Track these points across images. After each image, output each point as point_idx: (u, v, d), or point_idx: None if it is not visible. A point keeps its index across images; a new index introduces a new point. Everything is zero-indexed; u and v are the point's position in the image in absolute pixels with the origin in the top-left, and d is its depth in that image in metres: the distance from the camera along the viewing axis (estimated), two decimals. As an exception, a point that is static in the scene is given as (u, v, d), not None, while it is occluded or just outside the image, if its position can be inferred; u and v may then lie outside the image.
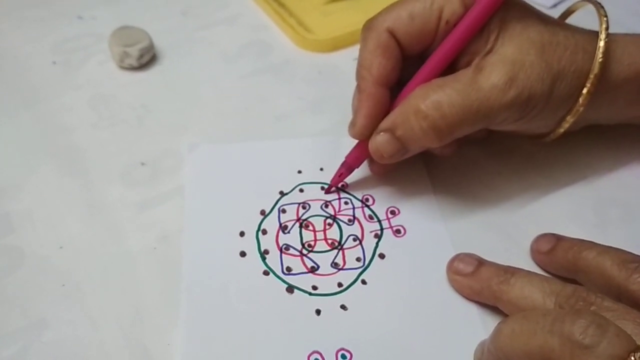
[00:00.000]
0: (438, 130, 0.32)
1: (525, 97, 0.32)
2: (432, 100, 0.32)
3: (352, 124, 0.35)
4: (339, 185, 0.37)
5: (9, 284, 0.33)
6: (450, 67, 0.33)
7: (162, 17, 0.50)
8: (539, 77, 0.32)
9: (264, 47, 0.48)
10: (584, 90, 0.33)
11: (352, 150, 0.36)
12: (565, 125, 0.35)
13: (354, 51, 0.47)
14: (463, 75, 0.32)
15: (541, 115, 0.33)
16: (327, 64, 0.47)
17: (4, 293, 0.32)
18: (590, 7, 0.35)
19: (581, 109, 0.34)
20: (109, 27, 0.46)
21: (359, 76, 0.35)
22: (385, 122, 0.34)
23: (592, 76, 0.33)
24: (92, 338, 0.30)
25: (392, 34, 0.34)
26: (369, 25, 0.35)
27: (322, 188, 0.37)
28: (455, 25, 0.33)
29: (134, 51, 0.44)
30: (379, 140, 0.34)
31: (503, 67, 0.32)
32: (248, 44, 0.48)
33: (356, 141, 0.36)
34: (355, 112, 0.35)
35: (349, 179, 0.38)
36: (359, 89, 0.35)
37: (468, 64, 0.33)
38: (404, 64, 0.34)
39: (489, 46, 0.32)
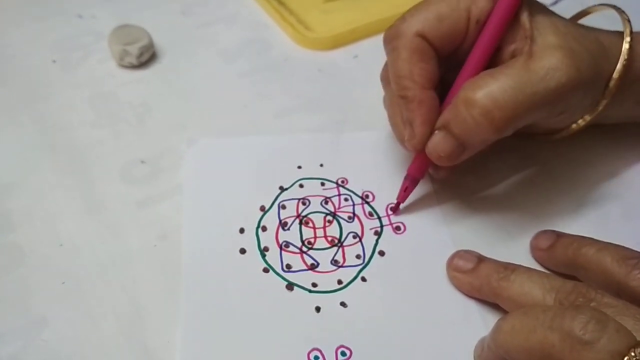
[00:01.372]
0: (491, 117, 0.30)
1: (584, 80, 0.31)
2: (481, 87, 0.31)
3: (411, 137, 0.33)
4: (337, 182, 0.37)
5: (10, 282, 0.33)
6: (490, 64, 0.33)
7: (162, 15, 0.50)
8: (587, 63, 0.31)
9: (264, 45, 0.48)
10: (607, 92, 0.33)
11: (413, 161, 0.35)
12: (582, 124, 0.34)
13: (354, 49, 0.48)
14: (513, 63, 0.31)
15: (581, 102, 0.33)
16: (327, 62, 0.47)
17: (4, 291, 0.32)
18: (600, 12, 0.35)
19: (600, 107, 0.34)
20: (108, 26, 0.46)
21: (401, 87, 0.33)
22: (439, 121, 0.32)
23: (616, 77, 0.33)
24: (92, 335, 0.31)
25: (423, 37, 0.33)
26: (394, 34, 0.34)
27: (322, 184, 0.37)
28: (485, 22, 0.32)
29: (134, 49, 0.44)
30: (435, 140, 0.32)
31: (555, 50, 0.31)
32: (247, 42, 0.48)
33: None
34: (411, 123, 0.33)
35: (349, 175, 0.38)
36: (406, 99, 0.33)
37: (509, 57, 0.32)
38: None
39: (527, 37, 0.32)
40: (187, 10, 0.51)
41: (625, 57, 0.33)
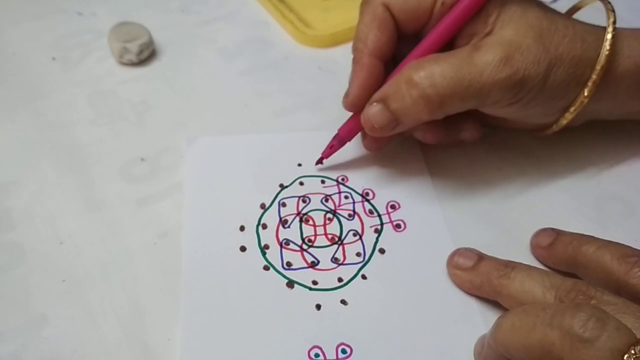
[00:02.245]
0: (428, 100, 0.32)
1: (519, 78, 0.32)
2: (424, 70, 0.32)
3: (346, 95, 0.35)
4: (338, 179, 0.37)
5: (10, 281, 0.33)
6: (447, 49, 0.33)
7: (161, 13, 0.50)
8: (535, 60, 0.32)
9: (264, 43, 0.48)
10: (589, 82, 0.33)
11: (346, 123, 0.37)
12: (569, 117, 0.35)
13: (354, 46, 0.48)
14: (459, 52, 0.33)
15: (537, 101, 0.33)
16: (327, 60, 0.47)
17: (4, 289, 0.32)
18: (596, 6, 0.35)
19: (585, 100, 0.34)
20: (108, 24, 0.46)
21: (354, 48, 0.35)
22: (378, 93, 0.34)
23: (598, 67, 0.33)
24: (92, 334, 0.31)
25: (387, 8, 0.34)
26: (365, 0, 0.36)
27: (322, 182, 0.37)
28: (452, 6, 0.33)
29: (134, 47, 0.44)
30: (371, 111, 0.34)
31: (500, 47, 0.32)
32: (247, 39, 0.48)
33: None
34: (350, 83, 0.35)
35: (349, 173, 0.38)
36: (354, 60, 0.35)
37: (466, 45, 0.33)
38: (399, 43, 0.35)
39: (488, 28, 0.33)
40: (186, 9, 0.51)
41: (607, 48, 0.33)
